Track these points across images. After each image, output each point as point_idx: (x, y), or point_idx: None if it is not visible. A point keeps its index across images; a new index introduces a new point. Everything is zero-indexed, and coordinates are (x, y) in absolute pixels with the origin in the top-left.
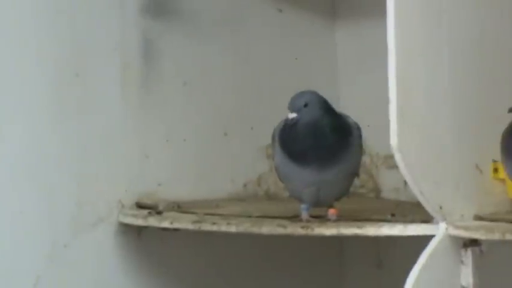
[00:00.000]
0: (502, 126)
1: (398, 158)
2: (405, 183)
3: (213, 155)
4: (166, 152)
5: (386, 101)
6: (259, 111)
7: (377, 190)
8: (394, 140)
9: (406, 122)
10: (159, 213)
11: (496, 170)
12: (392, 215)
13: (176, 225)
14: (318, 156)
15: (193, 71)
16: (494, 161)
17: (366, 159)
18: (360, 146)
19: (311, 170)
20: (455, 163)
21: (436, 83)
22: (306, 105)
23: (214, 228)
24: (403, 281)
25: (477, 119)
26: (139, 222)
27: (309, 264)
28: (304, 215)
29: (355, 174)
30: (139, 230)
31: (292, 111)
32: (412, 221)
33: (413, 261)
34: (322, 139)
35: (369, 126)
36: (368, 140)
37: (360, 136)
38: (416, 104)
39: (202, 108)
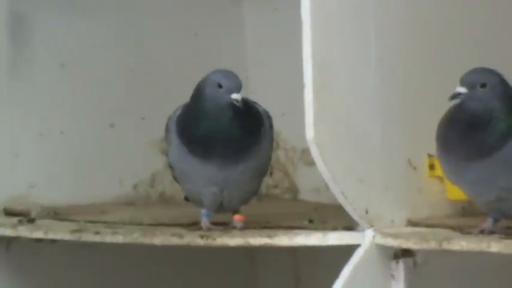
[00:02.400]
0: (439, 116)
1: (315, 152)
2: (326, 183)
3: (96, 151)
4: (40, 147)
5: (302, 86)
6: (152, 99)
7: (293, 191)
8: (309, 132)
9: (325, 110)
10: (31, 221)
11: (432, 167)
12: (310, 221)
13: (52, 236)
14: (222, 150)
15: (72, 51)
16: (430, 156)
17: (280, 153)
18: (271, 138)
19: (214, 166)
20: (383, 158)
21: (361, 65)
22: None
23: (98, 238)
24: None
25: (409, 107)
26: (8, 232)
27: (216, 280)
28: (205, 222)
29: (265, 172)
30: (7, 242)
31: (238, 91)
32: (333, 228)
33: (336, 275)
34: (229, 129)
35: (283, 115)
36: (283, 132)
37: (271, 126)
38: (337, 89)
39: (84, 95)
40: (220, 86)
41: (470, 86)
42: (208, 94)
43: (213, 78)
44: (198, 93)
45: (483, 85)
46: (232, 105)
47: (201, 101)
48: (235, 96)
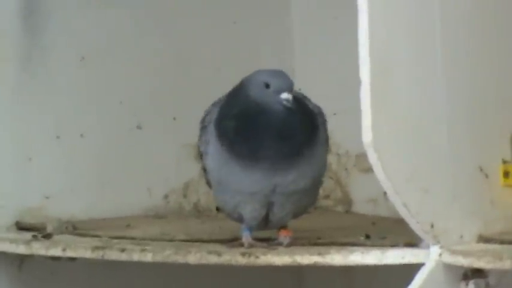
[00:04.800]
0: None
1: (373, 158)
2: (384, 192)
3: (121, 156)
4: (57, 152)
5: (358, 81)
6: (185, 96)
7: (347, 202)
8: (367, 135)
9: (384, 111)
10: (47, 236)
11: (507, 175)
12: (367, 236)
13: (71, 253)
14: (270, 152)
15: (93, 43)
16: (505, 162)
17: (332, 159)
18: (327, 139)
19: (260, 173)
20: (450, 165)
21: (426, 59)
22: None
23: (124, 256)
24: None
25: (480, 107)
26: (21, 249)
27: None
28: (246, 237)
29: (322, 180)
30: (20, 261)
31: (289, 90)
32: (393, 245)
33: None
34: (279, 129)
35: (335, 114)
36: (335, 134)
37: (325, 124)
38: (398, 86)
39: (107, 92)
40: (267, 86)
41: None
42: (254, 95)
43: (258, 78)
44: (242, 94)
45: None
46: (282, 105)
47: (245, 103)
48: (285, 96)
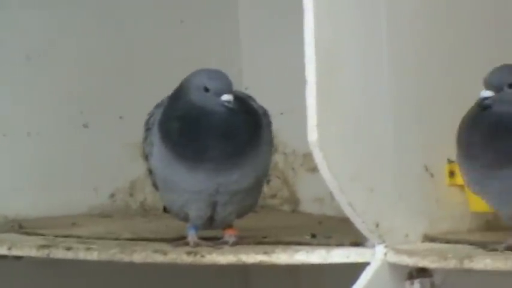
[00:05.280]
0: (460, 116)
1: (318, 157)
2: (331, 192)
3: (67, 155)
4: (3, 150)
5: (305, 81)
6: (131, 95)
7: (294, 201)
8: (312, 134)
9: (330, 110)
10: None
11: (452, 174)
12: (313, 235)
13: (16, 252)
14: (214, 154)
15: (39, 42)
16: (450, 162)
17: (278, 158)
18: (271, 139)
19: (204, 173)
20: (396, 164)
21: (372, 59)
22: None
23: (69, 255)
24: None
25: (426, 107)
26: None
27: None
28: (192, 236)
29: (265, 179)
30: None
31: (229, 92)
32: (339, 244)
33: None
34: (221, 130)
35: (282, 114)
36: (282, 133)
37: (269, 125)
38: (344, 85)
39: (53, 91)
40: (207, 90)
41: (497, 88)
42: (195, 99)
43: (197, 81)
44: (183, 97)
45: (511, 85)
46: (224, 107)
47: (187, 106)
48: (226, 97)
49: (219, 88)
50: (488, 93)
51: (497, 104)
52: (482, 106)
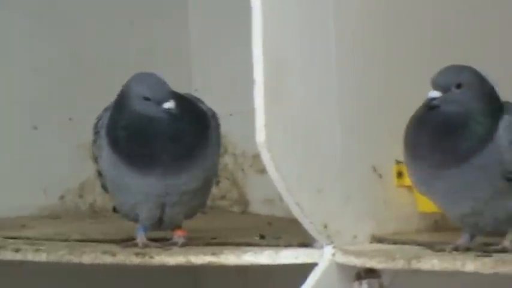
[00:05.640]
0: (407, 117)
1: (266, 158)
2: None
3: (16, 156)
4: None
5: (253, 82)
6: (81, 97)
7: (243, 202)
8: (260, 135)
9: (277, 111)
10: None
11: (400, 175)
12: (261, 236)
13: None
14: (162, 158)
15: None
16: (398, 163)
17: (228, 159)
18: (218, 141)
19: (153, 177)
20: (344, 165)
21: (319, 60)
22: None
23: (18, 256)
24: None
25: (374, 108)
26: None
27: None
28: (141, 237)
29: (213, 181)
30: None
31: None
32: (287, 245)
33: None
34: (168, 135)
35: (231, 115)
36: (231, 134)
37: (218, 127)
38: (292, 87)
39: (2, 93)
40: (147, 99)
41: (444, 88)
42: (137, 109)
43: (137, 91)
44: (125, 106)
45: (458, 85)
46: (166, 114)
47: (131, 115)
48: (167, 105)
49: (159, 97)
50: (435, 94)
51: (444, 104)
52: (430, 106)
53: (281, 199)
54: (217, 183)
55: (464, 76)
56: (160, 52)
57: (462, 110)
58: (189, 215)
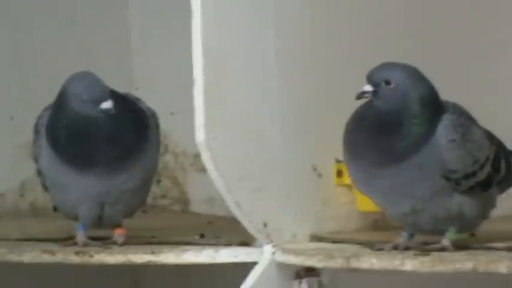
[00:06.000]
0: (348, 116)
1: (206, 157)
2: None
3: None
4: None
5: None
6: (21, 95)
7: (184, 201)
8: (200, 134)
9: (217, 110)
10: None
11: (340, 174)
12: (202, 235)
13: None
14: (101, 158)
15: None
16: (338, 162)
17: (169, 158)
18: (158, 140)
19: (93, 177)
20: (284, 164)
21: (259, 60)
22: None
23: None
24: None
25: (314, 107)
26: None
27: None
28: (81, 236)
29: (152, 180)
30: None
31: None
32: (227, 244)
33: None
34: (106, 135)
35: (172, 114)
36: (172, 133)
37: (158, 127)
38: (231, 86)
39: None
40: (85, 99)
41: (375, 84)
42: (76, 109)
43: (74, 91)
44: (64, 106)
45: (387, 82)
46: (103, 114)
47: (70, 115)
48: (105, 106)
49: (97, 97)
50: (367, 88)
51: (375, 99)
52: (358, 97)
53: (221, 198)
54: (158, 182)
55: (394, 73)
56: (101, 51)
57: (393, 107)
58: (129, 214)
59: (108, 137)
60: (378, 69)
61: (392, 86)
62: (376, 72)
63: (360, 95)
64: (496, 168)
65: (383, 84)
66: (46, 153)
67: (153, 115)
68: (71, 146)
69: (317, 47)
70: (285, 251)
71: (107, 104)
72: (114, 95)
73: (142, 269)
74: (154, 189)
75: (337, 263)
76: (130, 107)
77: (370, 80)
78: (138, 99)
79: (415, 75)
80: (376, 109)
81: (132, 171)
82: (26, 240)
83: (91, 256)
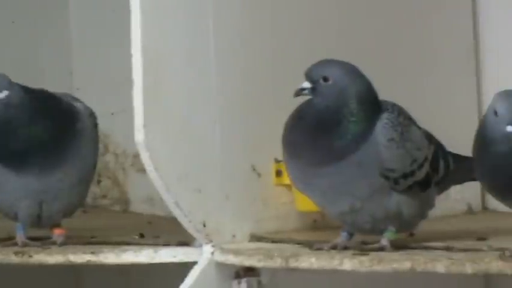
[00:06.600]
0: (287, 116)
1: (145, 157)
2: None
3: None
4: None
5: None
6: None
7: (124, 201)
8: (139, 134)
9: (157, 111)
10: None
11: (279, 173)
12: (141, 235)
13: None
14: (35, 157)
15: None
16: (277, 162)
17: (109, 158)
18: (96, 140)
19: (28, 176)
20: (224, 164)
21: (198, 60)
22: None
23: None
24: None
25: (253, 107)
26: None
27: None
28: (20, 236)
29: (90, 179)
30: None
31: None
32: (166, 244)
33: None
34: (33, 135)
35: (113, 114)
36: (113, 134)
37: (96, 126)
38: (171, 87)
39: None
40: None
41: (314, 80)
42: None
43: None
44: None
45: (325, 79)
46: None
47: None
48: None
49: None
50: (306, 84)
51: (314, 96)
52: (297, 94)
53: (161, 198)
54: (99, 182)
55: (333, 70)
56: (42, 51)
57: (331, 104)
58: (68, 213)
59: (34, 136)
60: (316, 66)
61: (330, 82)
62: (314, 69)
63: (298, 92)
64: (434, 168)
65: (321, 80)
66: None
67: (91, 114)
68: (2, 146)
69: (256, 46)
70: (224, 250)
71: (2, 95)
72: (39, 95)
73: (83, 269)
74: (95, 190)
75: (276, 262)
76: (60, 106)
77: (308, 76)
78: (76, 99)
79: (354, 72)
80: (314, 107)
81: (66, 170)
82: None
83: (30, 256)
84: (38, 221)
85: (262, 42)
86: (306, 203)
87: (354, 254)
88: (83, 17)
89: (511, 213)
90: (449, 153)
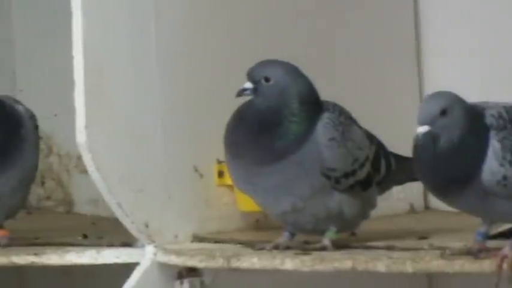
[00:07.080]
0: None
1: (87, 158)
2: None
3: None
4: None
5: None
6: None
7: (68, 202)
8: (81, 136)
9: (98, 112)
10: None
11: (221, 174)
12: (84, 236)
13: None
14: None
15: None
16: (220, 162)
17: (53, 160)
18: (36, 141)
19: None
20: (166, 165)
21: (140, 62)
22: None
23: None
24: None
25: (195, 108)
26: None
27: None
28: None
29: (31, 181)
30: None
31: None
32: (109, 244)
33: None
34: None
35: (56, 115)
36: (56, 135)
37: (36, 128)
38: (113, 88)
39: None
40: None
41: (255, 81)
42: None
43: None
44: None
45: (267, 79)
46: None
47: None
48: None
49: None
50: (247, 85)
51: (255, 96)
52: (239, 94)
53: (104, 199)
54: (43, 183)
55: (274, 70)
56: None
57: (272, 104)
58: (10, 215)
59: None
60: (257, 66)
61: (271, 82)
62: (256, 70)
63: (240, 92)
64: (376, 168)
65: (263, 81)
66: None
67: (32, 117)
68: None
69: (198, 48)
70: (167, 251)
71: None
72: None
73: (27, 270)
74: (39, 191)
75: (218, 262)
76: (3, 110)
77: (250, 77)
78: (17, 102)
79: (295, 72)
80: (256, 107)
81: (7, 172)
82: None
83: None
84: None
85: (205, 44)
86: (248, 204)
87: (295, 254)
88: (25, 18)
89: (453, 212)
90: (391, 153)
